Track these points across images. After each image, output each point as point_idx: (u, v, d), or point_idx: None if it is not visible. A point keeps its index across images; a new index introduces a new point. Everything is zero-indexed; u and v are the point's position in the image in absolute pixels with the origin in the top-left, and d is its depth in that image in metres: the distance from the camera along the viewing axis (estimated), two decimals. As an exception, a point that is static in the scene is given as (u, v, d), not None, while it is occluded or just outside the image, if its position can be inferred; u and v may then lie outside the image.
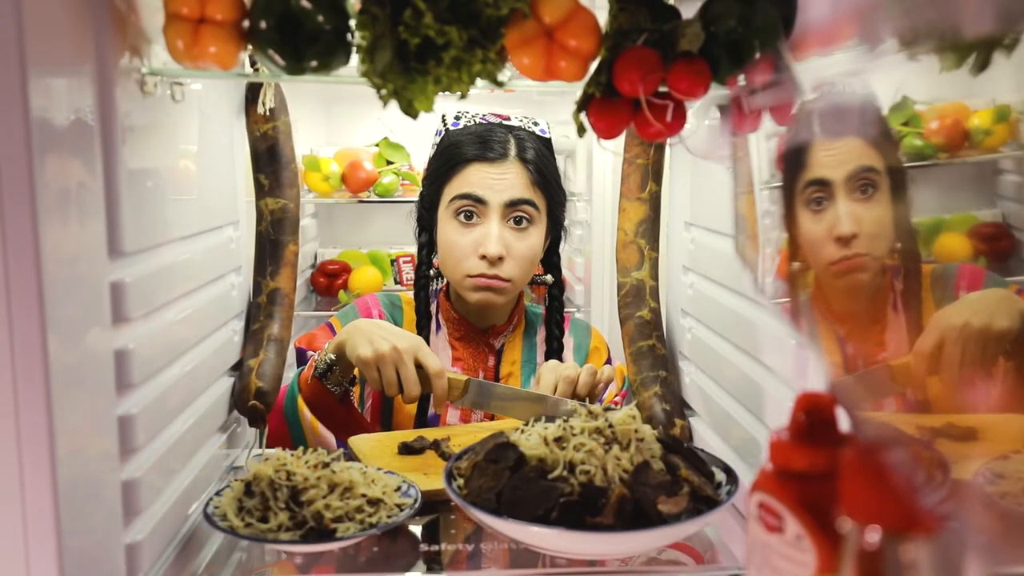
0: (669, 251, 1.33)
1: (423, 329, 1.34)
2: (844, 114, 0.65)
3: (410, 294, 1.41)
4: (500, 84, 0.76)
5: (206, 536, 0.94)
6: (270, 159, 1.18)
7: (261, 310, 1.19)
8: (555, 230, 1.37)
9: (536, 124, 1.35)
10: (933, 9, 0.53)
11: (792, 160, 0.72)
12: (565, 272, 1.71)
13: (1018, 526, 0.58)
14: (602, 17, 0.77)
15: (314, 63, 0.74)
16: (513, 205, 1.27)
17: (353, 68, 0.76)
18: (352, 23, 0.73)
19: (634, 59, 0.75)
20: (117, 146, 0.76)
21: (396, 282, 2.83)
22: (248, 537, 0.84)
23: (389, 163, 2.71)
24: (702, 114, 0.87)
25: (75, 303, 0.69)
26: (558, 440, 0.83)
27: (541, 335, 1.41)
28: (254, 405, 1.12)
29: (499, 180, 1.27)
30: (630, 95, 0.76)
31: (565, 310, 1.42)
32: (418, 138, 2.45)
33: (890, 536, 0.43)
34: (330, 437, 1.21)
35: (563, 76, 0.76)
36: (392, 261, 2.84)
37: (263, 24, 0.73)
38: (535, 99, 2.56)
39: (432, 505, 0.96)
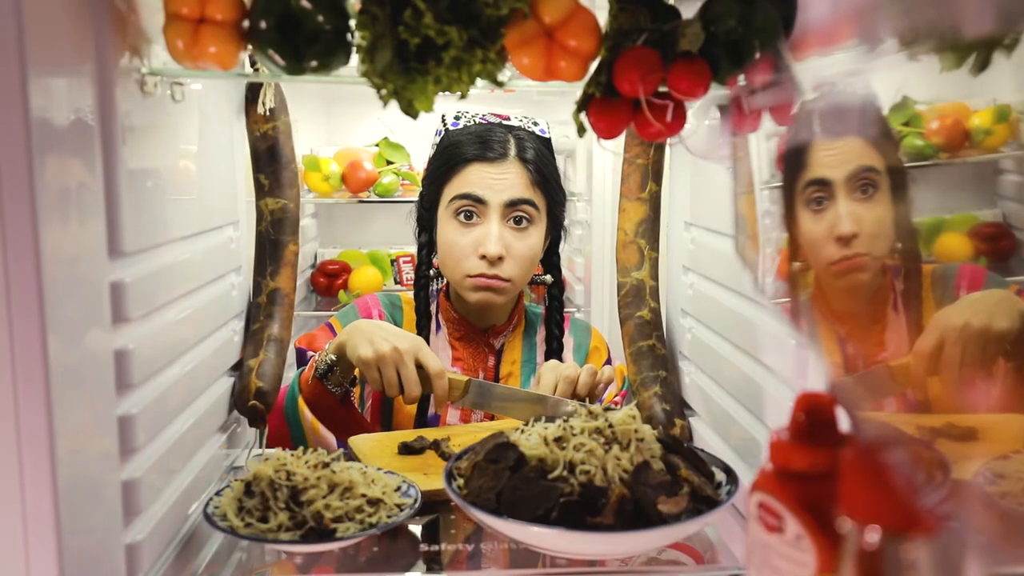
0: (669, 251, 1.33)
1: (423, 329, 1.35)
2: (844, 114, 0.65)
3: (410, 294, 1.41)
4: (500, 84, 0.76)
5: (206, 536, 0.94)
6: (270, 159, 1.18)
7: (261, 310, 1.19)
8: (555, 230, 1.37)
9: (536, 124, 1.35)
10: (933, 9, 0.53)
11: (792, 160, 0.72)
12: (565, 272, 1.71)
13: (1018, 526, 0.58)
14: (602, 17, 0.77)
15: (314, 63, 0.74)
16: (513, 205, 1.27)
17: (353, 68, 0.76)
18: (352, 23, 0.73)
19: (634, 59, 0.75)
20: (117, 146, 0.76)
21: (396, 282, 2.83)
22: (248, 537, 0.84)
23: (389, 163, 2.71)
24: (702, 114, 0.87)
25: (75, 303, 0.69)
26: (558, 440, 0.83)
27: (541, 335, 1.41)
28: (254, 405, 1.12)
29: (499, 180, 1.27)
30: (630, 95, 0.76)
31: (565, 310, 1.42)
32: (418, 138, 2.45)
33: (890, 536, 0.43)
34: (331, 437, 1.21)
35: (563, 76, 0.76)
36: (392, 261, 2.84)
37: (263, 24, 0.73)
38: (535, 99, 2.56)
39: (432, 505, 0.96)
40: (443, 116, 1.37)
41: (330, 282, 2.78)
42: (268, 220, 1.19)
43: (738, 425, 1.02)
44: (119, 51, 0.76)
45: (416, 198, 1.41)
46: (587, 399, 1.17)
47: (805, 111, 0.70)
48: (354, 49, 0.74)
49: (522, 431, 0.87)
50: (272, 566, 0.93)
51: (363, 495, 0.88)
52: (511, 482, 0.80)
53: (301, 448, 0.93)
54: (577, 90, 0.78)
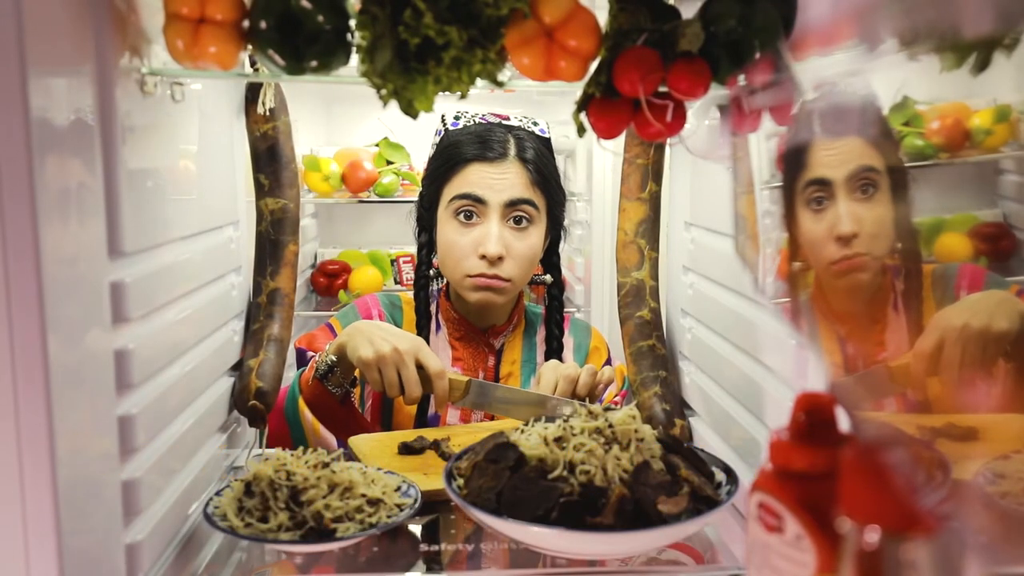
0: (669, 251, 1.33)
1: (423, 329, 1.35)
2: (844, 114, 0.65)
3: (410, 294, 1.41)
4: (500, 84, 0.76)
5: (206, 536, 0.94)
6: (270, 159, 1.18)
7: (261, 310, 1.19)
8: (555, 230, 1.37)
9: (536, 124, 1.35)
10: (933, 9, 0.53)
11: (792, 160, 0.72)
12: (565, 272, 1.71)
13: (1018, 526, 0.58)
14: (602, 17, 0.77)
15: (314, 63, 0.74)
16: (513, 205, 1.27)
17: (353, 68, 0.76)
18: (352, 23, 0.73)
19: (634, 59, 0.75)
20: (117, 146, 0.76)
21: (396, 282, 2.83)
22: (248, 537, 0.84)
23: (389, 163, 2.71)
24: (702, 114, 0.87)
25: (75, 303, 0.69)
26: (558, 440, 0.82)
27: (541, 335, 1.41)
28: (254, 405, 1.12)
29: (499, 180, 1.27)
30: (630, 95, 0.76)
31: (565, 310, 1.42)
32: (418, 138, 2.45)
33: (890, 536, 0.43)
34: (331, 438, 1.22)
35: (563, 76, 0.76)
36: (392, 261, 2.84)
37: (263, 24, 0.73)
38: (535, 99, 2.56)
39: (432, 505, 0.96)
40: (443, 116, 1.37)
41: (330, 282, 2.78)
42: (268, 220, 1.19)
43: (738, 425, 1.02)
44: (119, 51, 0.76)
45: (416, 198, 1.41)
46: (587, 399, 1.17)
47: (805, 111, 0.70)
48: (354, 49, 0.74)
49: (522, 431, 0.87)
50: (272, 566, 0.93)
51: (363, 495, 0.88)
52: (511, 482, 0.80)
53: (301, 448, 0.93)
54: (577, 90, 0.78)
